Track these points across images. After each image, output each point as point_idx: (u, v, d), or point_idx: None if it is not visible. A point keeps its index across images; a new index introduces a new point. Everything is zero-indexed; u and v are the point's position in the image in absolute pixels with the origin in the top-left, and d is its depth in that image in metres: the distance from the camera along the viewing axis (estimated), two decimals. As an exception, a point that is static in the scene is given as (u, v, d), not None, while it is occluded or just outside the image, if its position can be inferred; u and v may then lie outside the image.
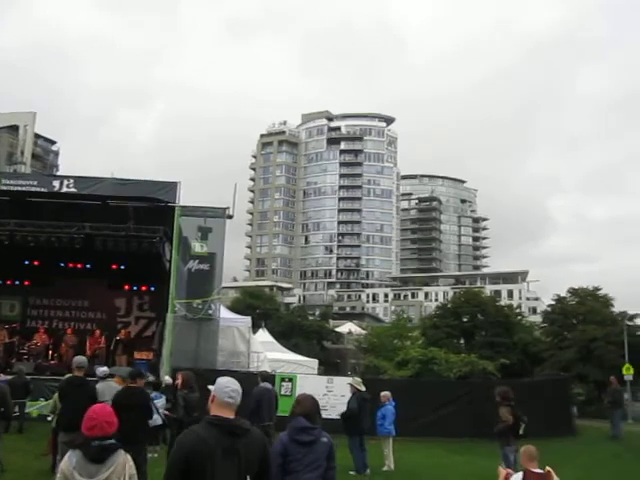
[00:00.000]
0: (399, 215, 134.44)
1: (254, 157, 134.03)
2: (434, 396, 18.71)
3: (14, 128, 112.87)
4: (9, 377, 15.78)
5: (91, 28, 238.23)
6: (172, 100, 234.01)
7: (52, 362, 21.42)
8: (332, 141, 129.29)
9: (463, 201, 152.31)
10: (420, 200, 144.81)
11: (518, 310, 52.64)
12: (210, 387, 4.08)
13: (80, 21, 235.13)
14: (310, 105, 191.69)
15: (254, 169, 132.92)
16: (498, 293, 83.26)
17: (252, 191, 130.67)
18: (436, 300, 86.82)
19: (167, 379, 14.12)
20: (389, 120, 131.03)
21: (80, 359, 9.74)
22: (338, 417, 12.97)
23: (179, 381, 10.71)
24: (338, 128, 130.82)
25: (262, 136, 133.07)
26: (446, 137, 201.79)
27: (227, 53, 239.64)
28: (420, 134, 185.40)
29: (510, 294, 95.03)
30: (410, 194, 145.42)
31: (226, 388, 3.93)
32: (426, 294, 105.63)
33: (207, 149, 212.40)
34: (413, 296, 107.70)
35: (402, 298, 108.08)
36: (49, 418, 15.65)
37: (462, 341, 45.78)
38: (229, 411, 3.87)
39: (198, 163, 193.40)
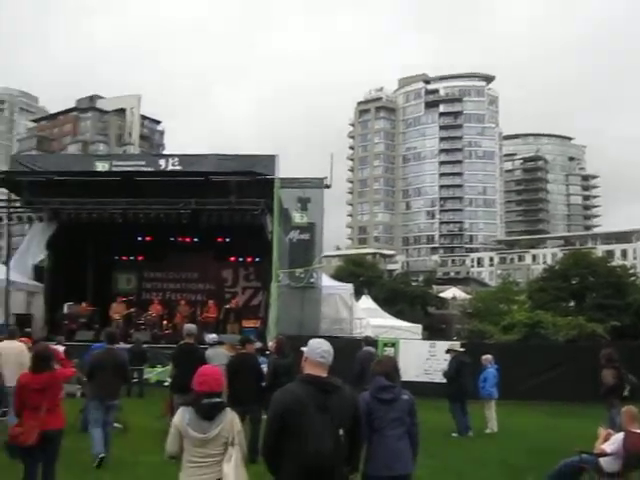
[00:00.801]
0: (503, 177, 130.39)
1: (352, 125, 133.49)
2: (539, 360, 18.34)
3: (121, 111, 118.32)
4: (128, 346, 16.84)
5: (188, 13, 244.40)
6: (269, 73, 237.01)
7: (167, 331, 22.54)
8: (430, 104, 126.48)
9: (571, 159, 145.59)
10: (525, 160, 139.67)
11: (632, 270, 50.36)
12: (303, 349, 4.35)
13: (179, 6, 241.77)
14: (406, 69, 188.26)
15: (352, 137, 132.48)
16: (611, 253, 79.98)
17: (351, 159, 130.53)
18: (544, 263, 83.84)
19: (272, 345, 14.68)
20: (489, 79, 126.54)
21: (189, 327, 10.33)
22: (441, 381, 13.11)
23: (273, 346, 11.12)
24: (436, 91, 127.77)
25: (359, 103, 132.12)
26: (550, 95, 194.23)
27: (319, 22, 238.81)
28: (521, 93, 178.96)
29: (624, 254, 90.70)
30: (514, 154, 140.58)
31: (318, 349, 4.18)
32: (533, 257, 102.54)
33: (305, 120, 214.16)
34: (520, 259, 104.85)
35: (508, 262, 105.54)
36: (166, 383, 16.73)
37: (571, 304, 44.40)
38: (321, 370, 4.13)
39: (296, 135, 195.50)
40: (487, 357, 13.37)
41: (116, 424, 11.23)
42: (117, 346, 11.26)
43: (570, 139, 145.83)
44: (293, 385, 4.11)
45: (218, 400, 4.50)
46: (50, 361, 6.27)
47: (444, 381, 13.06)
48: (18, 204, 21.73)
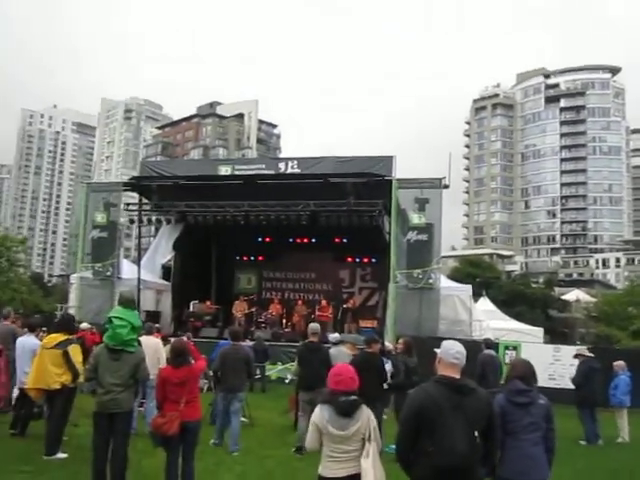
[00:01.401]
0: (630, 173, 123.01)
1: (467, 123, 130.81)
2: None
3: (240, 116, 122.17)
4: (251, 343, 17.43)
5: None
6: (382, 67, 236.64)
7: (286, 330, 23.09)
8: (550, 99, 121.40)
9: None
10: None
11: None
12: (436, 350, 4.41)
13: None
14: (524, 64, 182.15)
15: (468, 135, 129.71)
16: None
17: (467, 158, 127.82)
18: (677, 264, 78.50)
19: (388, 345, 14.71)
20: (614, 70, 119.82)
21: (315, 326, 10.55)
22: (567, 387, 12.67)
23: (401, 346, 11.15)
24: (556, 85, 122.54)
25: (475, 101, 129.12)
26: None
27: (436, 18, 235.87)
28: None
29: None
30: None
31: (451, 350, 4.24)
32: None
33: (420, 120, 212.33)
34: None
35: (637, 263, 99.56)
36: (286, 380, 17.20)
37: None
38: (455, 371, 4.18)
39: (412, 135, 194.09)
40: (619, 363, 12.75)
41: (243, 418, 11.73)
42: (242, 343, 11.74)
43: None
44: (428, 385, 4.17)
45: (355, 398, 4.64)
46: (188, 356, 6.64)
47: (570, 387, 12.62)
48: (147, 207, 22.60)
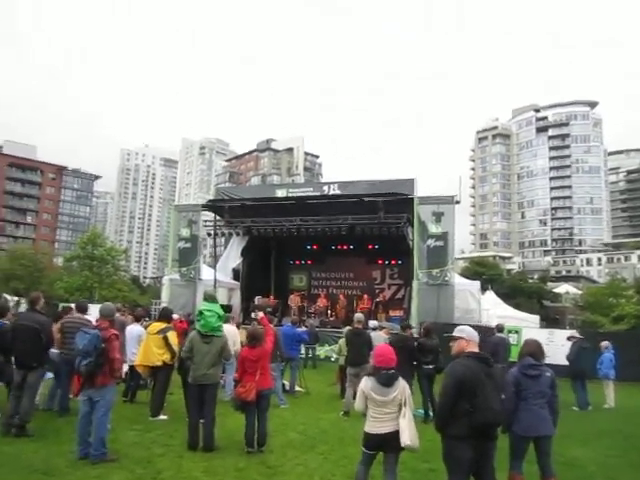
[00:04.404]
0: (608, 188, 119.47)
1: (472, 150, 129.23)
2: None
3: (290, 150, 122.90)
4: (305, 329, 17.53)
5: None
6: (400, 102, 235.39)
7: (331, 319, 23.15)
8: (540, 129, 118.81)
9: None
10: (629, 172, 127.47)
11: None
12: (456, 334, 4.42)
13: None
14: (519, 99, 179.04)
15: (473, 160, 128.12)
16: None
17: (472, 178, 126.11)
18: (650, 262, 75.69)
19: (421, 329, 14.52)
20: (593, 104, 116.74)
21: (359, 316, 10.64)
22: (560, 363, 12.41)
23: (422, 331, 11.10)
24: (545, 117, 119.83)
25: (478, 132, 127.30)
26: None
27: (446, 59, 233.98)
28: (626, 113, 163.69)
29: None
30: (618, 168, 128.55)
31: (474, 333, 4.30)
32: (639, 257, 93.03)
33: (430, 147, 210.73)
34: (626, 259, 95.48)
35: (615, 261, 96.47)
36: (332, 358, 17.21)
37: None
38: (477, 348, 4.23)
39: (427, 160, 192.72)
40: (605, 343, 12.51)
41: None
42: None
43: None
44: (462, 359, 4.20)
45: (393, 372, 4.70)
46: (261, 339, 6.76)
47: (562, 363, 12.32)
48: (221, 223, 22.98)
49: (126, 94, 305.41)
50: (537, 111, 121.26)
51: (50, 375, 8.43)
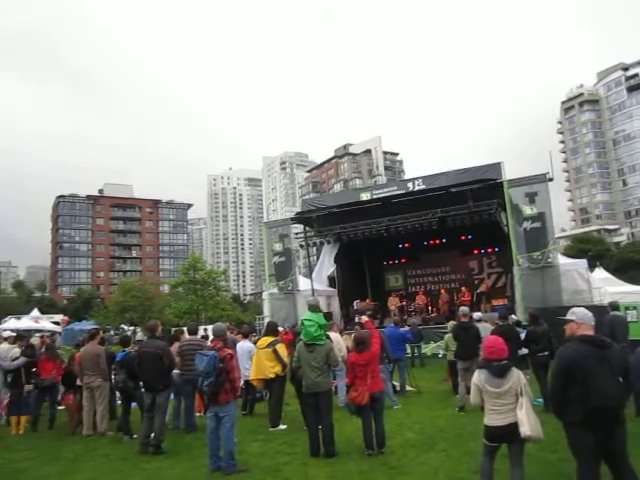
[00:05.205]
0: None
1: (559, 123, 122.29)
2: None
3: (368, 152, 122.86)
4: (407, 328, 17.38)
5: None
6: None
7: (433, 315, 22.79)
8: (632, 88, 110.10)
9: None
10: None
11: None
12: (567, 317, 4.27)
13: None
14: (601, 62, 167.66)
15: (561, 133, 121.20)
16: None
17: (563, 152, 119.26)
18: None
19: (512, 317, 13.98)
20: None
21: (465, 309, 10.43)
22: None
23: (529, 318, 10.67)
24: (636, 75, 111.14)
25: (563, 102, 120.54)
26: None
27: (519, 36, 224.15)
28: None
29: None
30: None
31: (588, 315, 4.14)
32: None
33: (518, 125, 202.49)
34: None
35: None
36: (439, 355, 16.95)
37: None
38: (591, 330, 4.06)
39: (513, 140, 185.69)
40: None
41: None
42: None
43: None
44: (573, 344, 4.07)
45: (505, 362, 4.63)
46: (367, 343, 6.83)
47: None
48: (311, 233, 23.41)
49: (203, 118, 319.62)
50: (625, 70, 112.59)
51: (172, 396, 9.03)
